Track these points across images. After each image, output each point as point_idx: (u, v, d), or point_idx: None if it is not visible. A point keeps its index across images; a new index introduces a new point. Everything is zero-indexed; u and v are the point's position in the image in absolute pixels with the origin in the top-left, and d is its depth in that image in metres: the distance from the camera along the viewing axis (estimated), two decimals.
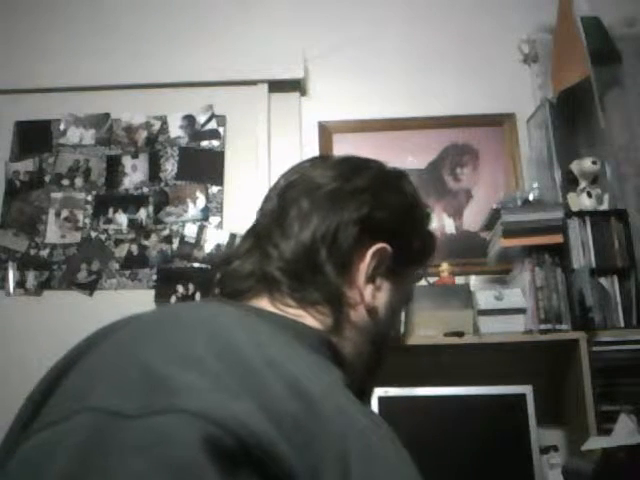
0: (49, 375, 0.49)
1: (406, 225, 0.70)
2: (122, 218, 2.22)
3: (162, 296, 2.12)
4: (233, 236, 2.16)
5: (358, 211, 0.66)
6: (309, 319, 0.62)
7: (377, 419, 0.59)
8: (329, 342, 0.62)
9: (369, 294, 0.66)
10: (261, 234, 0.67)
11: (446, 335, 1.80)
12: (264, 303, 0.63)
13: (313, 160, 0.75)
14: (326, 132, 2.28)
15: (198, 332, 0.47)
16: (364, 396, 0.68)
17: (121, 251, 2.18)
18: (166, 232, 2.20)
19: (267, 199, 0.72)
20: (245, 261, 0.66)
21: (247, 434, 0.39)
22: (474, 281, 2.09)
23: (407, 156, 2.23)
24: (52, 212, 2.24)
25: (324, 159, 0.75)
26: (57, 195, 2.26)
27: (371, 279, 0.66)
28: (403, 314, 1.76)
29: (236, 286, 0.65)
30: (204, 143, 2.29)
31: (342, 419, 0.48)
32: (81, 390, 0.43)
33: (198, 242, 2.18)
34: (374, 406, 1.73)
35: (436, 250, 0.77)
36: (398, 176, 0.73)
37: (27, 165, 2.29)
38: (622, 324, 1.81)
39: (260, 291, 0.64)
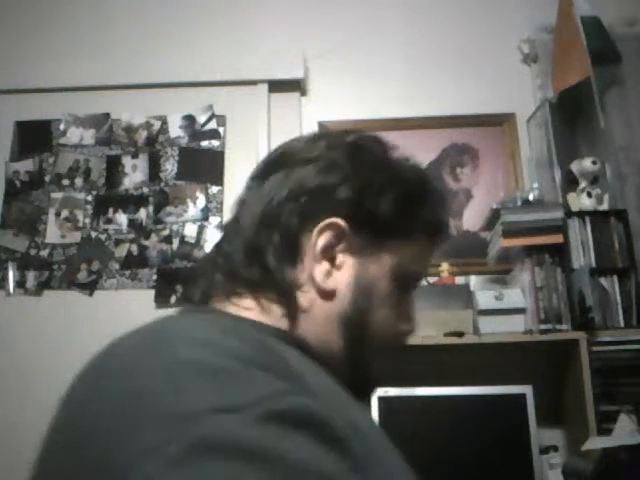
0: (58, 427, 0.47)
1: (365, 191, 0.60)
2: (122, 218, 2.22)
3: (162, 296, 2.12)
4: None
5: (302, 186, 0.59)
6: (263, 316, 0.58)
7: (370, 416, 0.58)
8: (291, 338, 0.57)
9: (320, 275, 0.59)
10: (224, 232, 0.66)
11: (446, 335, 1.80)
12: (228, 306, 0.60)
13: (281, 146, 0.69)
14: None
15: (198, 345, 0.46)
16: (358, 393, 0.63)
17: (121, 251, 2.18)
18: (166, 232, 2.20)
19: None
20: (206, 264, 0.65)
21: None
22: (474, 281, 2.08)
23: None
24: (52, 212, 2.23)
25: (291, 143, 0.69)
26: (57, 195, 2.26)
27: (325, 258, 0.59)
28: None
29: (200, 291, 0.63)
30: (204, 143, 2.29)
31: (344, 418, 0.48)
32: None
33: (198, 242, 2.18)
34: (374, 406, 1.73)
35: (442, 204, 0.67)
36: (361, 140, 0.65)
37: (27, 165, 2.29)
38: (622, 324, 1.81)
39: (221, 294, 0.61)
